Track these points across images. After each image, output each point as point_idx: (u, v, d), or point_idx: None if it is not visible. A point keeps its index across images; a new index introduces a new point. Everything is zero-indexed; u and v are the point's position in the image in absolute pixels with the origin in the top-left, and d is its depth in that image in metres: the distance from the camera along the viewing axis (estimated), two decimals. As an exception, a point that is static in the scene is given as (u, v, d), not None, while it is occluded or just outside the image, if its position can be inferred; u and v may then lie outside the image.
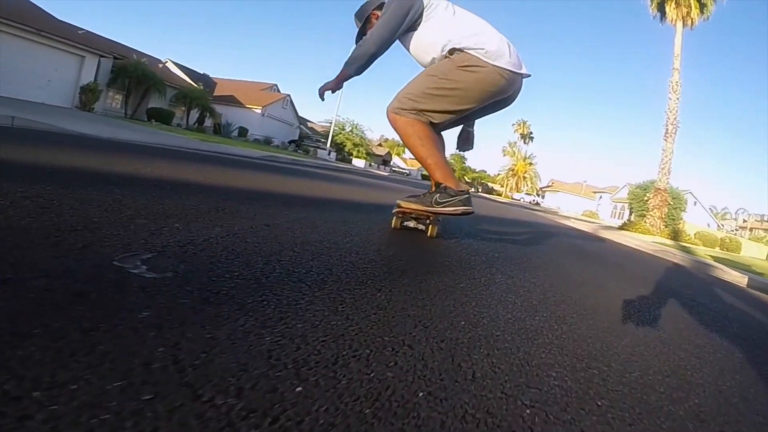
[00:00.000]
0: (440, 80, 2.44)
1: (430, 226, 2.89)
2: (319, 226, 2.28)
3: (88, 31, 19.06)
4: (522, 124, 67.26)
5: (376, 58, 2.56)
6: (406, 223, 2.99)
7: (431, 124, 2.52)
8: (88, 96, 17.37)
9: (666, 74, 18.42)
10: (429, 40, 2.53)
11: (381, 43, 2.48)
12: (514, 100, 2.76)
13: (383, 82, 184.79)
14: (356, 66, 2.54)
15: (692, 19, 17.91)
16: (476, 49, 2.40)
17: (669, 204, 18.88)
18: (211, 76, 38.71)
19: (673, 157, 17.82)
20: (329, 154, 39.28)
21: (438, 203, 2.49)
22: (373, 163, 57.55)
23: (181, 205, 2.01)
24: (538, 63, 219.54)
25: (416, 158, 2.59)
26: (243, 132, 32.13)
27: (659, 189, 18.20)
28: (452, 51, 2.46)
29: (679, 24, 17.95)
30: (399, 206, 2.83)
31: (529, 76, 2.64)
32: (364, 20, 2.72)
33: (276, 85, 42.52)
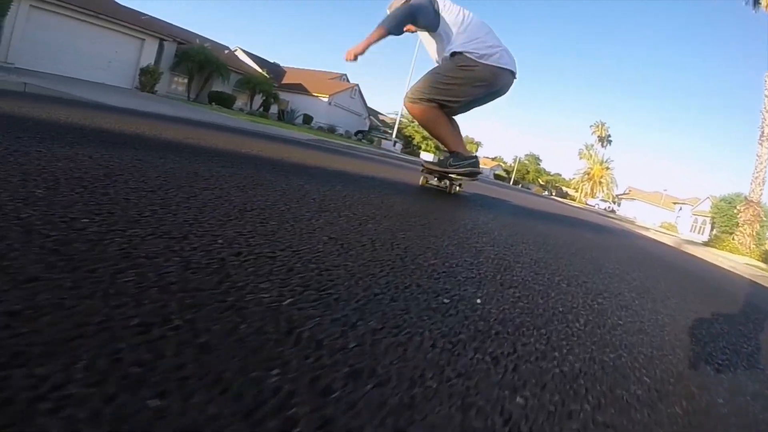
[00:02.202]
0: (444, 77, 3.10)
1: (450, 186, 3.55)
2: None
3: (151, 17, 19.36)
4: (600, 126, 63.30)
5: (408, 20, 3.00)
6: (431, 182, 3.71)
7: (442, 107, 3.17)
8: (147, 77, 17.52)
9: (760, 69, 15.65)
10: (439, 47, 3.24)
11: (415, 7, 2.99)
12: (505, 92, 3.32)
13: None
14: (394, 24, 2.96)
15: (790, 4, 15.03)
16: (472, 52, 3.03)
17: (761, 219, 15.95)
18: (282, 65, 38.98)
19: (772, 164, 15.03)
20: (394, 145, 38.16)
21: (451, 165, 3.26)
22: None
23: None
24: (617, 62, 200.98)
25: (432, 136, 3.40)
26: (307, 119, 31.91)
27: (751, 201, 15.42)
28: (453, 54, 3.08)
29: (775, 10, 15.10)
30: (423, 164, 3.74)
31: (514, 73, 3.22)
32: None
33: (345, 75, 42.02)
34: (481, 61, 3.02)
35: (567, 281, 1.57)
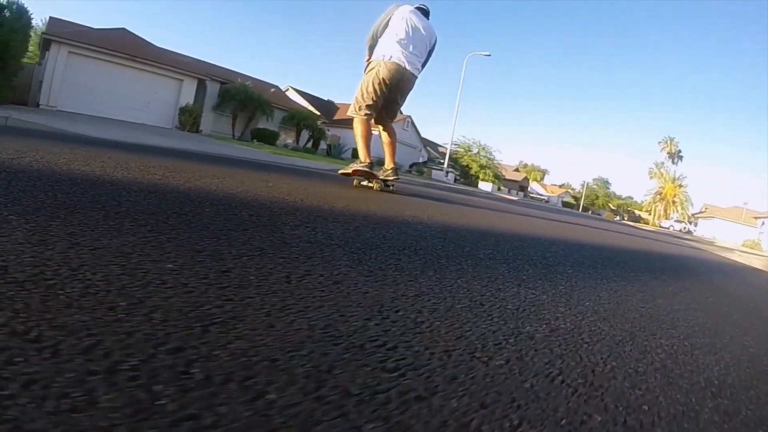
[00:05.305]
0: (361, 86, 4.06)
1: (374, 183, 4.40)
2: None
3: (193, 58, 19.97)
4: (669, 142, 58.52)
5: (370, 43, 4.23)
6: (363, 183, 4.49)
7: (370, 115, 4.10)
8: (185, 116, 17.77)
9: None
10: None
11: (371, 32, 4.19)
12: (407, 86, 4.19)
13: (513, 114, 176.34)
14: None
15: None
16: (377, 58, 4.01)
17: None
18: (336, 101, 39.39)
19: None
20: (446, 175, 36.66)
21: (350, 166, 4.22)
22: (502, 187, 52.44)
23: None
24: (679, 71, 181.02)
25: (355, 141, 4.20)
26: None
27: None
28: (368, 64, 4.08)
29: None
30: (342, 171, 4.58)
31: (411, 73, 4.09)
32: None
33: (398, 107, 41.57)
34: (381, 59, 3.93)
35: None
